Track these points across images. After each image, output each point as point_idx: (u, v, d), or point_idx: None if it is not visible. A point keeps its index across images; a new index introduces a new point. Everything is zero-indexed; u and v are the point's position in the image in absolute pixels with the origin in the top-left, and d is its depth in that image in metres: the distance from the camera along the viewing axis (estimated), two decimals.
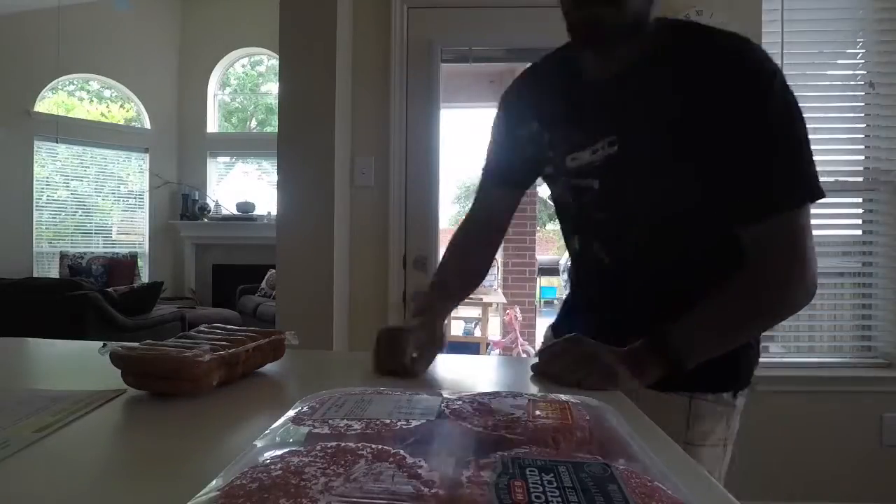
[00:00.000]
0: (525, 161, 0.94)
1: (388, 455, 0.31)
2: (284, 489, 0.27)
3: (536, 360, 0.75)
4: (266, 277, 5.37)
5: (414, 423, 0.38)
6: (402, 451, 0.32)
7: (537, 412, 0.40)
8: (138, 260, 5.88)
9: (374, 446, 0.33)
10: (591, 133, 0.80)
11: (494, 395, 0.44)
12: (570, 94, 0.84)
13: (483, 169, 1.01)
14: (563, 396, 0.44)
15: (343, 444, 0.33)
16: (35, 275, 5.31)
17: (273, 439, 0.37)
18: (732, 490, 0.39)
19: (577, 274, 0.98)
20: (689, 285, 0.75)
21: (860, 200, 2.33)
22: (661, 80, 0.74)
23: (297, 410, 0.42)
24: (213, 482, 0.29)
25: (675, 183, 0.75)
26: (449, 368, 0.89)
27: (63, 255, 5.53)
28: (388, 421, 0.38)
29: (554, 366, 0.71)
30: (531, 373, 0.74)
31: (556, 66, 0.89)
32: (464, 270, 1.00)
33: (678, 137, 0.73)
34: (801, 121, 0.70)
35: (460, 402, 0.42)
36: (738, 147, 0.70)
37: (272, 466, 0.30)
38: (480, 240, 1.02)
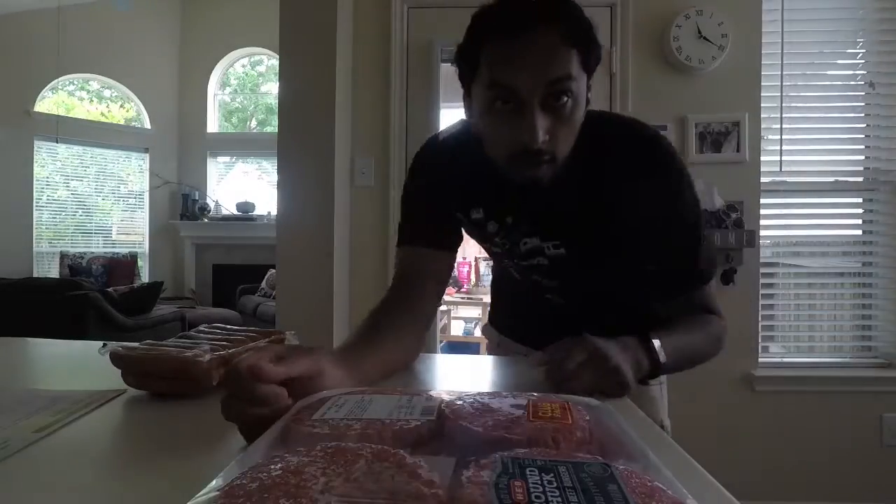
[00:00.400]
0: (458, 232, 0.91)
1: (388, 455, 0.31)
2: (284, 489, 0.27)
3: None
4: (266, 277, 5.37)
5: (414, 423, 0.38)
6: (402, 451, 0.32)
7: (537, 412, 0.40)
8: (138, 260, 5.88)
9: (374, 446, 0.33)
10: (538, 231, 0.85)
11: (494, 395, 0.44)
12: (513, 192, 0.82)
13: (406, 237, 0.88)
14: (563, 396, 0.44)
15: (343, 444, 0.33)
16: (35, 275, 5.31)
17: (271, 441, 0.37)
18: (732, 490, 0.39)
19: (517, 298, 1.05)
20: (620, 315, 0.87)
21: (860, 200, 2.33)
22: (591, 181, 0.80)
23: (297, 411, 0.42)
24: (213, 482, 0.29)
25: (618, 267, 0.86)
26: (449, 368, 0.89)
27: (63, 255, 5.52)
28: (387, 421, 0.38)
29: (583, 378, 0.63)
30: (540, 375, 0.66)
31: (480, 155, 0.80)
32: (381, 359, 0.73)
33: (615, 234, 0.82)
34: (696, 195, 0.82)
35: (460, 402, 0.42)
36: (667, 234, 0.80)
37: (272, 466, 0.30)
38: (405, 315, 0.82)
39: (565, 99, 0.69)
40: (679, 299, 0.83)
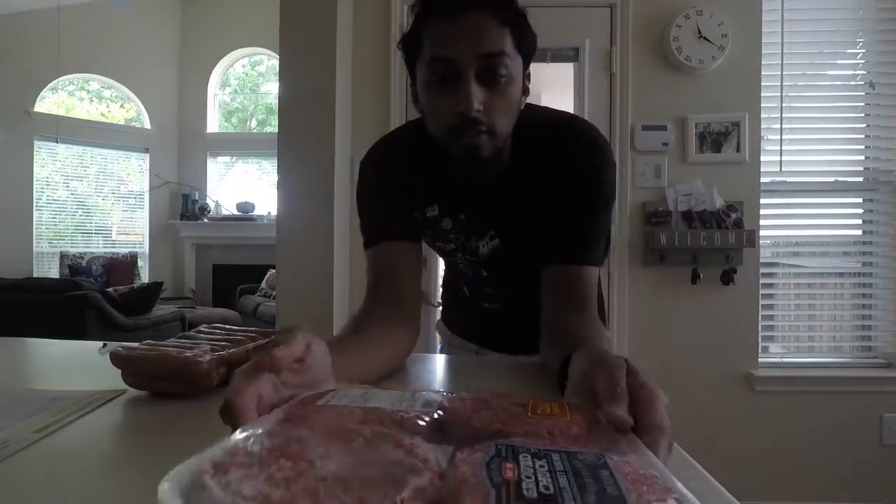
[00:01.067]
0: (417, 230, 0.93)
1: (387, 434, 0.32)
2: (285, 452, 0.28)
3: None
4: (266, 277, 5.37)
5: (414, 414, 0.38)
6: (401, 433, 0.32)
7: (536, 409, 0.40)
8: (138, 260, 5.88)
9: (374, 427, 0.33)
10: (489, 225, 0.90)
11: (495, 394, 0.44)
12: (459, 189, 0.87)
13: (375, 235, 0.88)
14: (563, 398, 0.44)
15: (345, 424, 0.33)
16: (35, 275, 5.31)
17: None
18: (732, 490, 0.39)
19: (463, 300, 1.10)
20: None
21: (860, 200, 2.33)
22: (535, 174, 0.84)
23: (300, 399, 0.42)
24: (213, 448, 0.30)
25: (538, 250, 0.86)
26: (448, 368, 0.89)
27: (63, 255, 5.53)
28: (390, 410, 0.38)
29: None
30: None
31: (433, 157, 0.84)
32: (374, 358, 0.71)
33: (541, 222, 0.84)
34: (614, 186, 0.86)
35: (461, 401, 0.42)
36: (575, 211, 0.82)
37: (273, 434, 0.30)
38: (394, 309, 0.82)
39: (500, 74, 0.74)
40: (561, 267, 0.82)
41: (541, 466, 0.28)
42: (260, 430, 0.32)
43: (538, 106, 0.87)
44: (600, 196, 0.83)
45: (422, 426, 0.37)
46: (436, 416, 0.39)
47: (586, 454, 0.30)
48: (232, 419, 0.40)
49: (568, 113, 0.90)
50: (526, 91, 0.80)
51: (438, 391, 0.46)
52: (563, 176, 0.82)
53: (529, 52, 0.78)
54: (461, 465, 0.28)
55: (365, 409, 0.38)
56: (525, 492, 0.26)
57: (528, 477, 0.27)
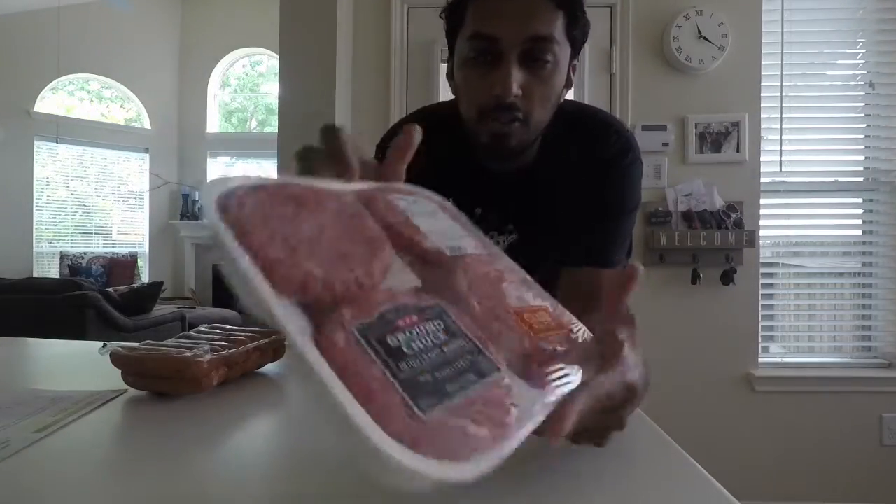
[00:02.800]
0: None
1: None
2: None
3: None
4: None
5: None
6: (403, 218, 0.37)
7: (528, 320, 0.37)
8: (138, 260, 5.88)
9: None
10: (505, 221, 0.86)
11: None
12: (478, 182, 0.83)
13: None
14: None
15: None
16: (35, 275, 5.31)
17: None
18: (733, 490, 0.39)
19: None
20: None
21: (860, 200, 2.33)
22: (559, 174, 0.80)
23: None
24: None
25: (560, 250, 0.83)
26: None
27: (63, 255, 5.53)
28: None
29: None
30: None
31: (454, 141, 0.80)
32: None
33: (564, 221, 0.81)
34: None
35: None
36: (601, 211, 0.79)
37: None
38: None
39: (545, 60, 0.68)
40: (583, 270, 0.78)
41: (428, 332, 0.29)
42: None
43: (565, 99, 0.82)
44: (629, 197, 0.79)
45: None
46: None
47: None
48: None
49: (595, 107, 0.86)
50: (569, 83, 0.75)
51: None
52: (591, 174, 0.78)
53: (580, 40, 0.72)
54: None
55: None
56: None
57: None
